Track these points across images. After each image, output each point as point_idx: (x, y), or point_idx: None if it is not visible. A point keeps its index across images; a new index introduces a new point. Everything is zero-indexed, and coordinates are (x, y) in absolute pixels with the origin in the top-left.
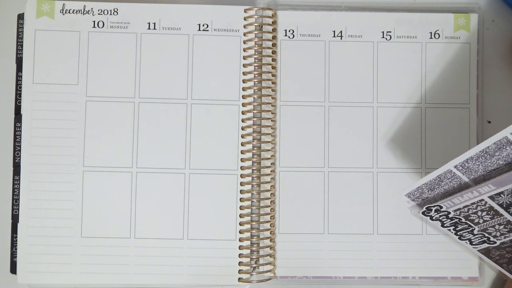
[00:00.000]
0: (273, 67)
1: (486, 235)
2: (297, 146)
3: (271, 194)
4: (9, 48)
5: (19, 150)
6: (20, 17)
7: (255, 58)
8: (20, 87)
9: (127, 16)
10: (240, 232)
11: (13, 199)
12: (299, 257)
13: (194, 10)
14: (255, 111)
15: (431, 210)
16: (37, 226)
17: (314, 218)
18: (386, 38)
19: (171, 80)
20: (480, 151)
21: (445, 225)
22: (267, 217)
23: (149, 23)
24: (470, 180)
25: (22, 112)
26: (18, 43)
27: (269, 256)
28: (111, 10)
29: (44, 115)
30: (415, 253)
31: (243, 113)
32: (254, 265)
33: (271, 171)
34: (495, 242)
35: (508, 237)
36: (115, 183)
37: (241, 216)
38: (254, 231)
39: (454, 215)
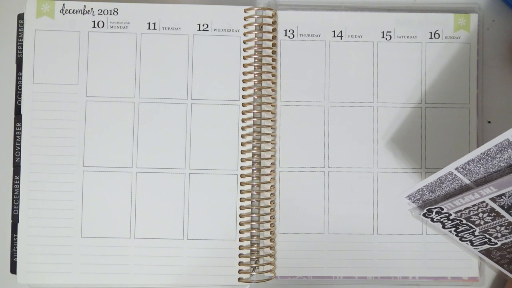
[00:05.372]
0: (273, 67)
1: (487, 236)
2: (297, 146)
3: (271, 194)
4: (9, 48)
5: (19, 150)
6: (20, 17)
7: (255, 58)
8: (20, 87)
9: (127, 16)
10: (240, 232)
11: (13, 199)
12: (299, 257)
13: (194, 10)
14: (255, 111)
15: (432, 212)
16: (37, 226)
17: (314, 218)
18: (386, 38)
19: (171, 80)
20: (481, 153)
21: (446, 226)
22: (267, 217)
23: (149, 23)
24: (471, 182)
25: (22, 112)
26: (18, 43)
27: (269, 256)
28: (111, 10)
29: (44, 115)
30: (415, 253)
31: (243, 113)
32: (254, 265)
33: (271, 171)
34: (496, 243)
35: (509, 238)
36: (115, 183)
37: (241, 216)
38: (254, 231)
39: (455, 216)
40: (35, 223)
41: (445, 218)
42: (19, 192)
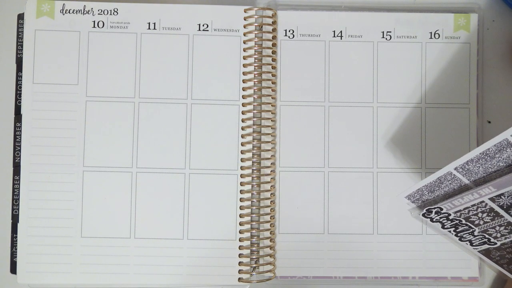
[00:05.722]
0: (273, 67)
1: (487, 236)
2: (297, 146)
3: (271, 194)
4: (9, 48)
5: (19, 150)
6: (20, 17)
7: (255, 58)
8: (20, 87)
9: (127, 16)
10: (240, 232)
11: (13, 199)
12: (299, 257)
13: (194, 10)
14: (255, 111)
15: (431, 212)
16: (37, 226)
17: (314, 218)
18: (386, 38)
19: (171, 80)
20: (480, 153)
21: (445, 226)
22: (267, 217)
23: (149, 23)
24: (470, 182)
25: (22, 112)
26: (18, 43)
27: (269, 256)
28: (111, 10)
29: (44, 115)
30: (415, 253)
31: (243, 113)
32: (254, 265)
33: (271, 171)
34: (496, 243)
35: (508, 238)
36: (115, 183)
37: (241, 216)
38: (254, 231)
39: (455, 216)
40: (35, 223)
41: (445, 218)
42: (19, 192)
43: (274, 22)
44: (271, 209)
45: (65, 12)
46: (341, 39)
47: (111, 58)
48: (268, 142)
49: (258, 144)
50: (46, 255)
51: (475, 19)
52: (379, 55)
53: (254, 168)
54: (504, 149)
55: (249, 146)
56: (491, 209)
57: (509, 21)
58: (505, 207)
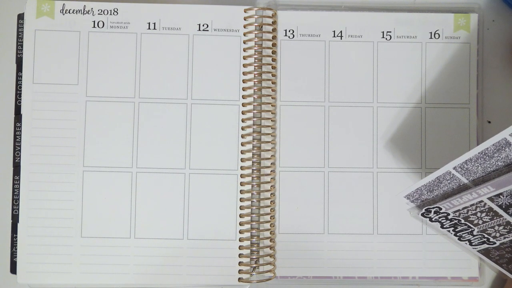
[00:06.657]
0: (273, 67)
1: (486, 236)
2: (297, 146)
3: (271, 194)
4: (9, 48)
5: (19, 150)
6: (20, 17)
7: (255, 58)
8: (20, 87)
9: (127, 16)
10: (240, 232)
11: (13, 199)
12: (299, 257)
13: (194, 10)
14: (255, 111)
15: (430, 211)
16: (37, 226)
17: (314, 218)
18: (386, 38)
19: (171, 80)
20: (479, 153)
21: (444, 226)
22: (267, 217)
23: (149, 23)
24: (469, 182)
25: (22, 112)
26: (18, 43)
27: (269, 256)
28: (111, 10)
29: (44, 115)
30: (415, 253)
31: (243, 113)
32: (254, 265)
33: (271, 171)
34: (495, 243)
35: (507, 237)
36: (115, 183)
37: (241, 216)
38: (254, 231)
39: (454, 216)
40: (35, 223)
41: (444, 218)
42: (19, 192)
43: (274, 22)
44: (271, 209)
45: (65, 12)
46: (341, 39)
47: (111, 58)
48: (268, 142)
49: (258, 144)
50: (46, 255)
51: (475, 19)
52: (379, 55)
53: (254, 168)
54: (503, 148)
55: (249, 146)
56: (490, 209)
57: (509, 21)
58: (504, 206)
